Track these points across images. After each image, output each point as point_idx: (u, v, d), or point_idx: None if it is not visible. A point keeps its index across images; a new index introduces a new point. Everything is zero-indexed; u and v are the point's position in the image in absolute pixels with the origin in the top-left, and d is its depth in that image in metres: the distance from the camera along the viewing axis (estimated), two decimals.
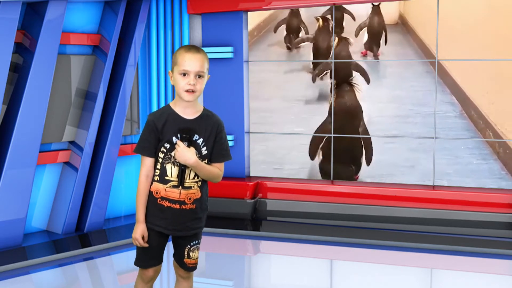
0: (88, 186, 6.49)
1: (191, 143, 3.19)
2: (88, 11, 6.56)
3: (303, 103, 7.32)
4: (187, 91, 3.17)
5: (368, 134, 7.06)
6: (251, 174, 7.51)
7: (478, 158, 6.70)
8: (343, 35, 7.11)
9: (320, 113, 7.23)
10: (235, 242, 6.31)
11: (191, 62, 3.16)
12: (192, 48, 3.21)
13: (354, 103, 7.11)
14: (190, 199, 3.24)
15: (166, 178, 3.22)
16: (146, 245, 3.26)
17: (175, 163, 3.20)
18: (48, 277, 5.25)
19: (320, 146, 7.25)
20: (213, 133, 3.25)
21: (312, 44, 7.26)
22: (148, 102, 7.38)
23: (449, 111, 6.78)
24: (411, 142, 6.92)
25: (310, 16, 7.26)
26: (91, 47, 6.62)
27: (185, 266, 3.36)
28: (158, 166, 3.24)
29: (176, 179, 3.20)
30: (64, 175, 6.47)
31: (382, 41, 6.98)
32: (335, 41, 7.10)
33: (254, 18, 7.42)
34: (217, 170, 3.28)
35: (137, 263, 3.35)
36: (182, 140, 3.18)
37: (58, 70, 6.21)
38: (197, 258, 3.37)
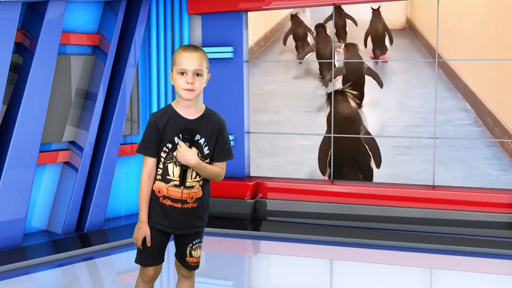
0: (88, 186, 6.49)
1: (192, 143, 3.19)
2: (88, 11, 6.56)
3: (312, 113, 7.22)
4: (186, 89, 3.17)
5: (374, 139, 6.95)
6: (251, 174, 7.51)
7: (497, 169, 6.54)
8: (348, 40, 7.05)
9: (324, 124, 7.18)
10: (235, 242, 6.31)
11: (188, 60, 3.17)
12: (190, 47, 3.22)
13: (349, 110, 7.05)
14: (192, 198, 3.25)
15: (168, 177, 3.23)
16: (147, 244, 3.26)
17: (177, 163, 3.20)
18: (48, 277, 5.25)
19: (328, 160, 7.20)
20: (215, 133, 3.26)
21: (314, 53, 7.20)
22: (148, 102, 7.37)
23: (464, 118, 6.62)
24: (426, 153, 6.78)
25: (314, 21, 7.18)
26: (91, 47, 6.61)
27: (187, 265, 3.36)
28: (161, 166, 3.24)
29: (178, 179, 3.21)
30: (64, 175, 6.46)
31: (387, 44, 6.92)
32: (343, 48, 7.06)
33: (260, 29, 7.36)
34: (219, 169, 3.29)
35: (137, 261, 3.35)
36: (183, 140, 3.18)
37: (58, 70, 6.21)
38: (199, 257, 3.38)
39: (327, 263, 5.80)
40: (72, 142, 6.49)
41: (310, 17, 7.22)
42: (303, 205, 6.93)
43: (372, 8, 6.94)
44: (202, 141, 3.23)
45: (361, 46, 7.01)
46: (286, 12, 7.31)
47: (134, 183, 7.25)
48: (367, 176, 7.03)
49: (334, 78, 7.11)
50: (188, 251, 3.33)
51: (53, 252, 5.71)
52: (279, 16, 7.35)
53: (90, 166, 6.47)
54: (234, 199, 7.02)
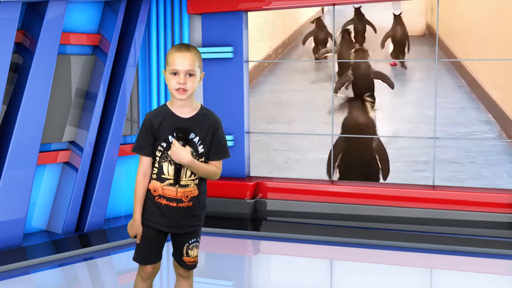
0: (88, 186, 6.50)
1: (187, 142, 3.19)
2: (88, 11, 6.56)
3: (325, 124, 7.20)
4: (178, 90, 3.18)
5: (385, 151, 6.91)
6: (251, 174, 7.51)
7: None
8: (365, 46, 7.01)
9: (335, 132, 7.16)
10: (235, 242, 6.31)
11: (180, 61, 3.17)
12: (183, 47, 3.22)
13: (365, 119, 7.04)
14: (187, 197, 3.25)
15: (163, 176, 3.23)
16: (137, 242, 3.30)
17: (171, 161, 3.21)
18: (48, 277, 5.25)
19: (336, 164, 7.20)
20: (210, 132, 3.25)
21: (336, 55, 7.18)
22: (148, 102, 7.38)
23: (486, 131, 6.51)
24: (443, 169, 6.71)
25: (337, 27, 7.16)
26: (91, 47, 6.62)
27: (184, 265, 3.36)
28: (156, 165, 3.25)
29: (173, 177, 3.21)
30: (64, 175, 6.47)
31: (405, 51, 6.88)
32: (353, 53, 7.04)
33: (279, 35, 7.36)
34: (214, 168, 3.28)
35: (135, 259, 3.36)
36: (178, 139, 3.18)
37: (58, 70, 6.21)
38: (197, 256, 3.37)
39: (327, 263, 5.80)
40: (72, 142, 6.50)
41: (329, 21, 7.20)
42: (303, 205, 6.93)
43: (394, 14, 6.89)
44: (196, 139, 3.23)
45: (371, 51, 6.97)
46: (305, 19, 7.29)
47: (134, 183, 7.24)
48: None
49: (343, 85, 7.09)
50: (184, 251, 3.33)
51: (53, 252, 5.71)
52: (298, 23, 7.34)
53: (90, 166, 6.47)
54: (234, 199, 7.02)
